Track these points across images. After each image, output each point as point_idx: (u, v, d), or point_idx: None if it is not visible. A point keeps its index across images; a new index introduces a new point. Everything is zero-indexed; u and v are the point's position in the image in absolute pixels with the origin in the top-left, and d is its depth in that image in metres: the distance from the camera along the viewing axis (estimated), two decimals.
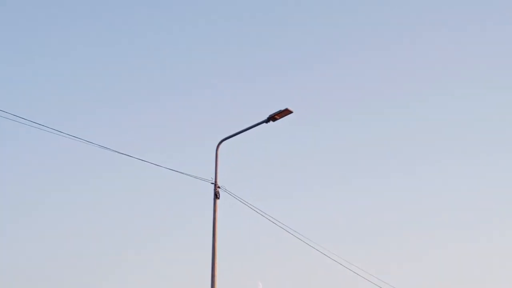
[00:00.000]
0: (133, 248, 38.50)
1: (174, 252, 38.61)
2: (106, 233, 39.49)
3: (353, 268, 21.12)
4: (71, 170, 43.53)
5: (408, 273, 39.66)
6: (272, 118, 17.33)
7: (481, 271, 40.90)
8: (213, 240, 16.59)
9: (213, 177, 17.08)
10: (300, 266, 38.78)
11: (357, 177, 46.99)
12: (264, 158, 45.78)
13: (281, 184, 44.61)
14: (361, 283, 22.08)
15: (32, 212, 39.77)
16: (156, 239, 39.44)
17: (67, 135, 14.84)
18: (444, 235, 43.42)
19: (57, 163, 44.02)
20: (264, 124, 17.46)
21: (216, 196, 16.90)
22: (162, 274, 36.96)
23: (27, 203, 40.03)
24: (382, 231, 43.09)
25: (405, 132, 49.73)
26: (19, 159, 43.10)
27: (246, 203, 17.40)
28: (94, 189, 42.52)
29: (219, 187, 17.00)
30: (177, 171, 16.64)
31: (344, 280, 37.07)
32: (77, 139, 15.00)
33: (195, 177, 16.76)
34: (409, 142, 49.62)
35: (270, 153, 45.95)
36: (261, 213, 17.73)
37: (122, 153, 15.92)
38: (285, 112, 17.24)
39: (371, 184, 46.64)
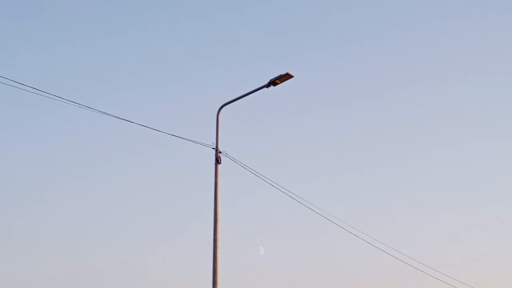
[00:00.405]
0: (134, 213, 38.74)
1: (175, 216, 38.86)
2: (106, 199, 39.68)
3: (354, 232, 21.24)
4: (69, 136, 43.61)
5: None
6: (273, 82, 17.24)
7: None
8: (215, 204, 16.64)
9: (214, 142, 17.06)
10: (301, 230, 39.07)
11: (359, 141, 47.11)
12: (265, 122, 45.78)
13: (282, 148, 44.73)
14: (363, 246, 22.21)
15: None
16: (157, 205, 39.67)
17: (68, 102, 14.80)
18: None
19: (56, 128, 44.04)
20: (265, 88, 17.41)
21: (218, 161, 16.90)
22: (163, 239, 37.24)
23: None
24: (382, 193, 43.37)
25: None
26: None
27: (247, 168, 17.48)
28: (93, 155, 42.60)
29: (220, 152, 16.98)
30: (178, 136, 16.67)
31: (346, 243, 37.35)
32: (77, 104, 14.96)
33: (196, 142, 16.77)
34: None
35: (271, 117, 45.92)
36: (262, 177, 17.83)
37: (123, 119, 15.87)
38: (286, 77, 17.14)
39: (375, 151, 46.82)
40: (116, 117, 15.70)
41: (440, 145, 47.53)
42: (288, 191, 18.52)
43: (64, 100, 14.69)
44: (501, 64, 49.56)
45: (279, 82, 17.22)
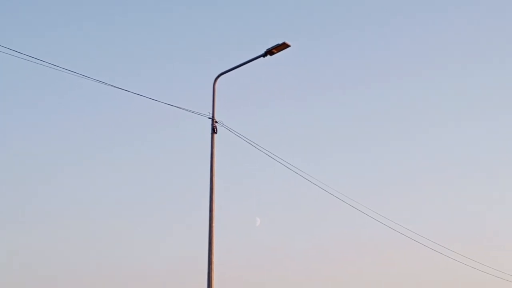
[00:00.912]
0: (131, 183, 38.71)
1: (171, 185, 38.85)
2: (102, 167, 39.63)
3: (353, 204, 21.21)
4: (62, 103, 43.34)
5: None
6: (270, 52, 17.07)
7: None
8: (211, 175, 16.56)
9: (211, 112, 16.94)
10: (298, 201, 39.11)
11: (356, 109, 46.94)
12: (262, 92, 45.50)
13: (278, 118, 44.53)
14: (359, 216, 22.17)
15: None
16: (154, 174, 39.62)
17: (56, 66, 14.60)
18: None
19: (53, 97, 43.75)
20: (262, 58, 17.21)
21: (214, 131, 16.77)
22: (159, 208, 37.25)
23: None
24: (367, 159, 43.22)
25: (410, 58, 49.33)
26: None
27: (244, 138, 17.36)
28: (88, 123, 42.42)
29: (216, 121, 16.86)
30: (175, 106, 16.49)
31: (343, 216, 37.42)
32: (73, 73, 14.77)
33: (193, 112, 16.66)
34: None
35: (268, 87, 45.64)
36: (259, 147, 17.71)
37: (118, 87, 15.70)
38: (283, 46, 16.97)
39: (369, 113, 46.63)
40: (110, 85, 15.58)
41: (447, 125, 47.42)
42: (285, 161, 18.54)
43: (59, 68, 14.49)
44: None
45: (276, 51, 17.05)
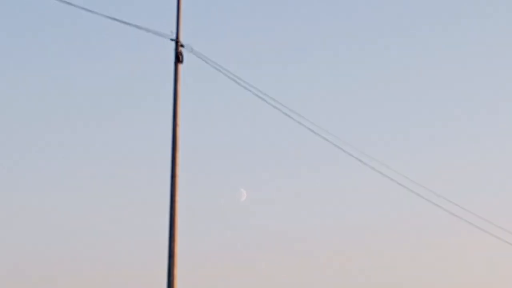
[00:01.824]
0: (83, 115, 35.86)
1: (131, 124, 35.87)
2: (55, 96, 36.76)
3: (332, 139, 18.92)
4: (17, 25, 39.84)
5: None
6: None
7: None
8: (174, 112, 13.87)
9: (174, 31, 14.07)
10: (278, 139, 36.93)
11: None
12: (238, 10, 42.31)
13: (257, 43, 41.68)
14: (339, 154, 20.00)
15: None
16: (110, 109, 36.50)
17: None
18: None
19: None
20: None
21: (178, 58, 13.84)
22: (116, 151, 34.50)
23: None
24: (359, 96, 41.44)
25: None
26: None
27: (219, 68, 14.65)
28: (38, 45, 39.01)
29: (182, 45, 13.96)
30: (131, 24, 13.95)
31: (322, 152, 35.47)
32: None
33: (148, 31, 13.85)
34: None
35: (244, 7, 42.55)
36: (234, 77, 15.14)
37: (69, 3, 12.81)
38: None
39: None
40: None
41: None
42: (263, 93, 15.76)
43: None
44: None
45: None
